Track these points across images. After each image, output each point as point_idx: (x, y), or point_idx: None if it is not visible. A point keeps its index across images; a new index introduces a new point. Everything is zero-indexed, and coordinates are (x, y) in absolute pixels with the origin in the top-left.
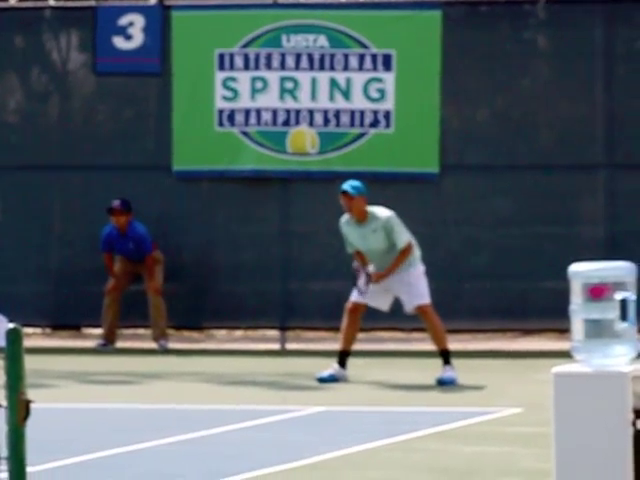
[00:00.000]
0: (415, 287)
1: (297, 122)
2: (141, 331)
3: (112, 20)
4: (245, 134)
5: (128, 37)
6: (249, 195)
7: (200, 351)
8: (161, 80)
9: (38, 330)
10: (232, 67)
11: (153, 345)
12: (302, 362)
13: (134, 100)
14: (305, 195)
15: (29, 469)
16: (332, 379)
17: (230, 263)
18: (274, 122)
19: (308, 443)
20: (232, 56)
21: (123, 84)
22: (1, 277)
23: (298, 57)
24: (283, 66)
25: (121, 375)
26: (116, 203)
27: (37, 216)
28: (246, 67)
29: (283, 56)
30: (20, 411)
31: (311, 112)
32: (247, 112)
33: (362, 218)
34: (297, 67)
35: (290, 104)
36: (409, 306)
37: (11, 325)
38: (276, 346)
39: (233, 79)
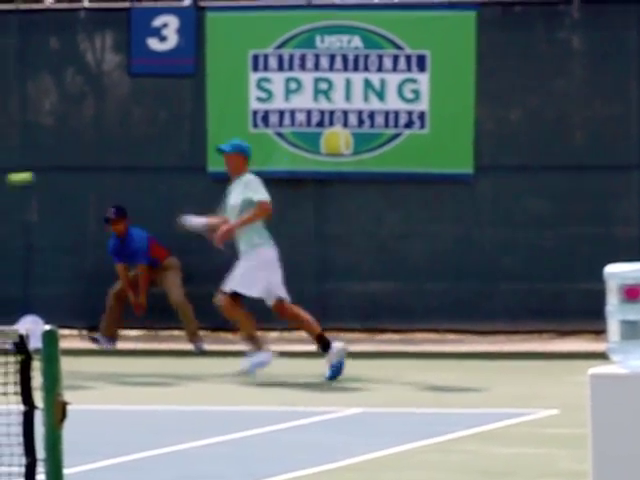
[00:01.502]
0: (241, 271)
1: (331, 123)
2: (176, 332)
3: (146, 21)
4: (279, 135)
5: (162, 38)
6: (284, 196)
7: (236, 352)
8: (195, 81)
9: (74, 332)
10: (266, 68)
11: (189, 347)
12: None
13: (169, 101)
14: (340, 196)
15: (66, 471)
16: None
17: None
18: (308, 123)
19: (345, 445)
20: (266, 57)
21: (158, 85)
22: (37, 279)
23: (332, 58)
24: (317, 67)
25: (157, 377)
26: (110, 212)
27: (72, 218)
28: (280, 68)
29: (317, 57)
30: (57, 413)
31: (345, 113)
32: (281, 113)
33: (233, 174)
34: (331, 68)
35: (324, 105)
36: (225, 285)
37: (47, 327)
38: (312, 347)
39: (267, 80)
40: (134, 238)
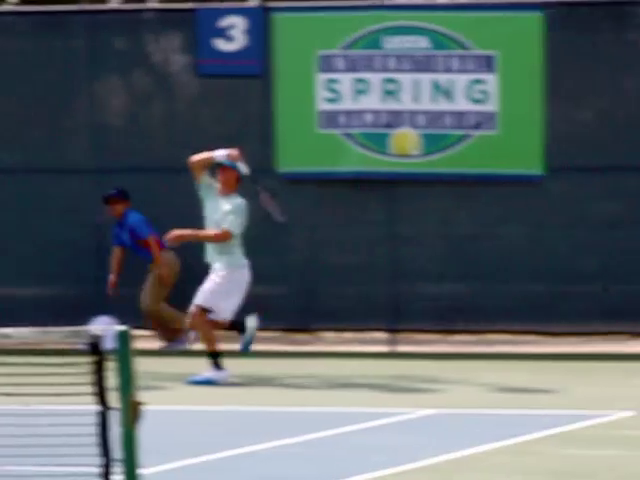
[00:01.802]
0: (211, 286)
1: (399, 124)
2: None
3: (213, 22)
4: (348, 136)
5: (229, 39)
6: (354, 197)
7: (309, 353)
8: (263, 82)
9: (147, 332)
10: (334, 69)
11: (265, 347)
12: (412, 364)
13: (237, 102)
14: (409, 197)
15: (141, 471)
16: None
17: (338, 265)
18: (376, 124)
19: (418, 446)
20: (334, 58)
21: (225, 86)
22: (104, 280)
23: (399, 59)
24: (385, 68)
25: (232, 377)
26: (112, 192)
27: (145, 217)
28: (348, 69)
29: (385, 58)
30: (131, 413)
31: (413, 114)
32: (349, 114)
33: (226, 193)
34: (399, 69)
35: (392, 106)
36: (195, 300)
37: (121, 327)
38: (385, 348)
39: (335, 81)
40: (128, 220)
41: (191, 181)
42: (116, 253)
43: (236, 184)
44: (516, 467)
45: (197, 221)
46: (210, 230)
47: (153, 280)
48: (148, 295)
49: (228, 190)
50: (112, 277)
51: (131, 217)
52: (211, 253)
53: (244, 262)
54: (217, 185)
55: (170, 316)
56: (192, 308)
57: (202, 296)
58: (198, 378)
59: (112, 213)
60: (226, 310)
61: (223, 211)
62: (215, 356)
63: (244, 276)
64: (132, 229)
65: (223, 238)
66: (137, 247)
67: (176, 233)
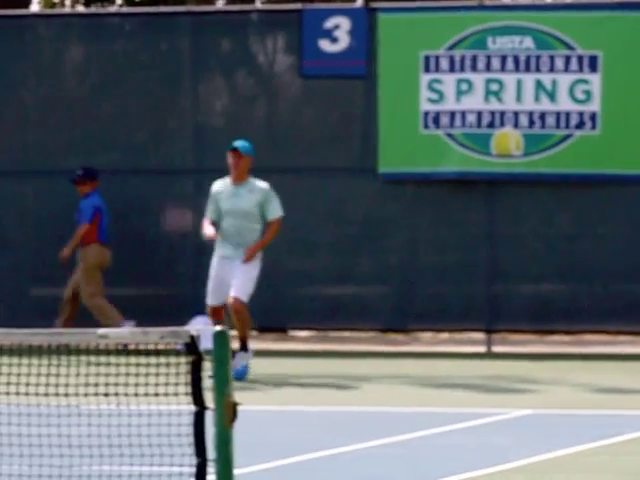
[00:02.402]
0: (245, 282)
1: (502, 124)
2: (346, 334)
3: (318, 23)
4: (450, 136)
5: (334, 40)
6: (454, 197)
7: (405, 354)
8: (367, 83)
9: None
10: (437, 69)
11: (360, 348)
12: (508, 365)
13: (340, 103)
14: (510, 197)
15: (236, 471)
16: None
17: (435, 265)
18: (479, 124)
19: (514, 446)
20: (437, 58)
21: (329, 87)
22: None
23: (504, 59)
24: (488, 68)
25: (327, 378)
26: (79, 172)
27: None
28: (451, 69)
29: (489, 58)
30: (227, 414)
31: (516, 114)
32: (452, 114)
33: (241, 179)
34: (502, 69)
35: (495, 106)
36: (231, 293)
37: (218, 328)
38: (482, 349)
39: (438, 81)
40: (86, 199)
41: (292, 181)
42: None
43: (249, 170)
44: (611, 467)
45: (295, 218)
46: (271, 231)
47: (80, 273)
48: (82, 290)
49: (244, 176)
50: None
51: (89, 200)
52: (235, 246)
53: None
54: (223, 180)
55: (103, 310)
56: (235, 303)
57: (242, 291)
58: (240, 370)
59: (80, 193)
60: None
61: (257, 201)
62: (245, 341)
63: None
64: (79, 210)
65: (280, 227)
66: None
67: (252, 252)
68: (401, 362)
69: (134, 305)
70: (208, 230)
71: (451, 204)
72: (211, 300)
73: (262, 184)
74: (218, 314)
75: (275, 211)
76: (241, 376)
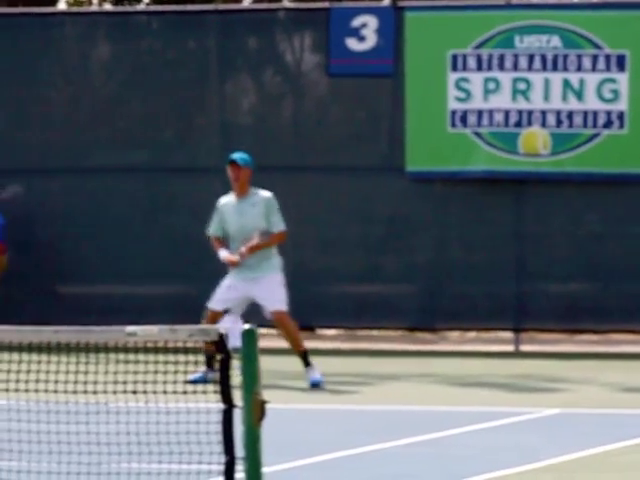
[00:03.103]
0: (276, 292)
1: (529, 123)
2: (374, 332)
3: (345, 21)
4: (477, 135)
5: (361, 38)
6: (481, 196)
7: (433, 352)
8: (394, 81)
9: (272, 331)
10: (465, 68)
11: (387, 346)
12: (536, 364)
13: (367, 101)
14: (538, 196)
15: (264, 469)
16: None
17: (463, 264)
18: (506, 123)
19: (542, 445)
20: (465, 57)
21: (356, 85)
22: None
23: (531, 58)
24: (516, 67)
25: (355, 376)
26: None
27: None
28: (479, 68)
29: (516, 57)
30: (256, 412)
31: (543, 113)
32: (480, 113)
33: (243, 191)
34: (530, 68)
35: (522, 105)
36: (269, 310)
37: (247, 326)
38: (510, 348)
39: (466, 80)
40: None
41: (317, 180)
42: None
43: (249, 178)
44: (639, 467)
45: (321, 217)
46: (273, 238)
47: None
48: None
49: (245, 188)
50: None
51: None
52: (254, 262)
53: (280, 261)
54: (228, 195)
55: None
56: (278, 315)
57: (280, 302)
58: (314, 380)
59: None
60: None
61: (261, 213)
62: (305, 355)
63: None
64: None
65: (283, 239)
66: None
67: (251, 245)
68: (429, 361)
69: (163, 303)
70: (224, 254)
71: (478, 203)
72: (215, 304)
73: (265, 194)
74: (217, 320)
75: (277, 225)
76: (318, 384)
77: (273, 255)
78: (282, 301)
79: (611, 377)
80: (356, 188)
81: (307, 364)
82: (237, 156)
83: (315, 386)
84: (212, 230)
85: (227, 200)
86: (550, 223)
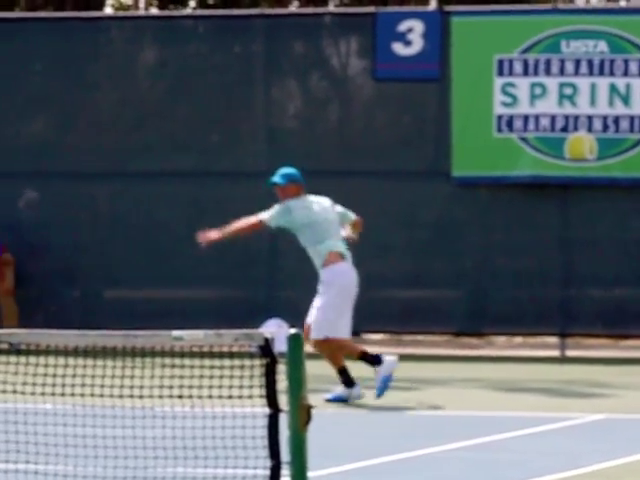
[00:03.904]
0: (324, 295)
1: (575, 128)
2: (419, 337)
3: (392, 26)
4: (523, 140)
5: (407, 43)
6: (527, 201)
7: (479, 357)
8: (440, 86)
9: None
10: (511, 73)
11: (432, 351)
12: (582, 369)
13: (413, 106)
14: (584, 201)
15: (310, 474)
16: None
17: (509, 269)
18: (552, 128)
19: (587, 451)
20: (511, 62)
21: (402, 90)
22: (282, 283)
23: (577, 63)
24: (562, 72)
25: (400, 381)
26: None
27: None
28: (525, 73)
29: (562, 62)
30: (302, 416)
31: (590, 118)
32: (526, 118)
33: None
34: (576, 73)
35: (569, 110)
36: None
37: (292, 330)
38: (556, 353)
39: (512, 85)
40: None
41: (363, 185)
42: None
43: (300, 193)
44: None
45: (367, 224)
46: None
47: (6, 299)
48: (8, 283)
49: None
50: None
51: None
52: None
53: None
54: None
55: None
56: (312, 343)
57: (315, 330)
58: (330, 396)
59: None
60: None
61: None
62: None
63: None
64: None
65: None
66: None
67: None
68: (475, 366)
69: (209, 307)
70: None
71: (524, 208)
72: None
73: (324, 198)
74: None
75: (348, 212)
76: (335, 399)
77: (325, 264)
78: (317, 329)
79: None
80: (402, 193)
81: (344, 382)
82: (276, 177)
83: (331, 401)
84: (266, 216)
85: (297, 201)
86: (596, 228)
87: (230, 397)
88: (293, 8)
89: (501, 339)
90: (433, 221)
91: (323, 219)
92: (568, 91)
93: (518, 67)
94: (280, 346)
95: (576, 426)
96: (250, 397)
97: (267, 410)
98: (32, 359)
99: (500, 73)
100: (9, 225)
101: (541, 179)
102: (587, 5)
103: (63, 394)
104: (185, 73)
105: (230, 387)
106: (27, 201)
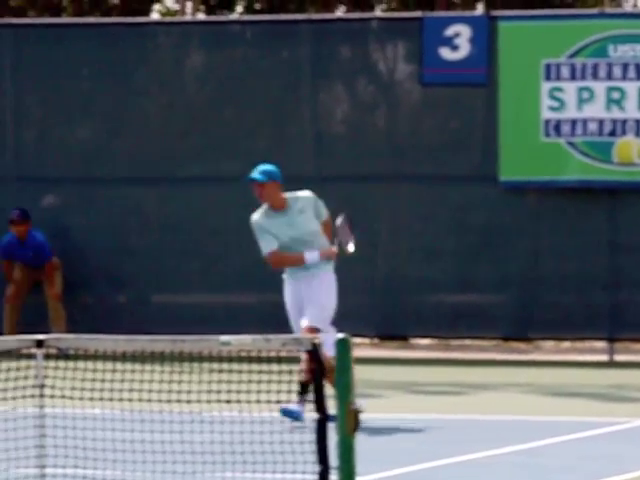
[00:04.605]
0: (324, 299)
1: (623, 132)
2: (467, 342)
3: (438, 31)
4: (571, 144)
5: (454, 48)
6: (575, 206)
7: (527, 362)
8: (487, 90)
9: (366, 340)
10: (559, 77)
11: (480, 356)
12: (631, 374)
13: (460, 110)
14: (632, 206)
15: (358, 479)
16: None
17: (557, 274)
18: (600, 132)
19: (635, 455)
20: (559, 66)
21: (449, 95)
22: None
23: (625, 67)
24: (610, 76)
25: (448, 386)
26: (15, 213)
27: (364, 227)
28: (572, 77)
29: (610, 66)
30: (349, 421)
31: (638, 122)
32: (573, 122)
33: (281, 205)
34: (624, 77)
35: (616, 114)
36: (305, 319)
37: (341, 335)
38: (604, 357)
39: (559, 89)
40: (38, 237)
41: (410, 189)
42: (9, 269)
43: (280, 191)
44: None
45: (415, 225)
46: (328, 231)
47: (54, 303)
48: (57, 288)
49: (282, 200)
50: (49, 290)
51: (37, 238)
52: (307, 268)
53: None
54: (263, 209)
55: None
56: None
57: (322, 320)
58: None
59: (16, 233)
60: None
61: (310, 216)
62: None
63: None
64: (38, 249)
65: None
66: (40, 264)
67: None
68: (523, 371)
69: (257, 312)
70: (312, 254)
71: (572, 212)
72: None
73: (304, 194)
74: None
75: (325, 212)
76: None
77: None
78: (325, 319)
79: None
80: (449, 197)
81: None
82: (256, 172)
83: (287, 414)
84: (269, 247)
85: (264, 214)
86: None
87: (278, 402)
88: (340, 13)
89: (549, 344)
90: (481, 225)
91: (289, 240)
92: (616, 95)
93: (565, 71)
94: (328, 351)
95: (624, 431)
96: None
97: (315, 415)
98: (80, 364)
99: (547, 77)
100: (58, 230)
101: (589, 184)
102: (634, 9)
103: (111, 399)
104: (232, 78)
105: (278, 392)
106: (48, 204)
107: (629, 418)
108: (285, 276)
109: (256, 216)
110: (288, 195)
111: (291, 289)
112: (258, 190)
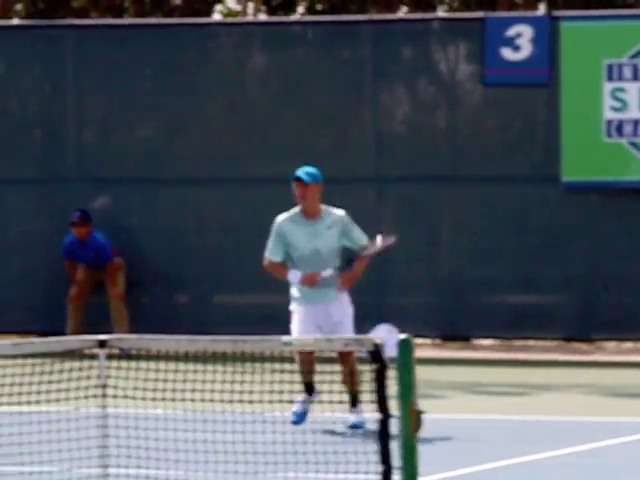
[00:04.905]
0: (348, 320)
1: None
2: (530, 342)
3: (500, 31)
4: (633, 145)
5: (516, 48)
6: (637, 207)
7: (589, 363)
8: (549, 91)
9: (428, 341)
10: (621, 78)
11: (542, 357)
12: None
13: (522, 111)
14: None
15: (420, 479)
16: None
17: (619, 274)
18: None
19: None
20: (621, 67)
21: (511, 95)
22: (392, 288)
23: None
24: None
25: (510, 386)
26: (76, 215)
27: (426, 227)
28: (635, 78)
29: None
30: (412, 422)
31: None
32: (636, 123)
33: (315, 211)
34: None
35: None
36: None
37: (403, 336)
38: None
39: (622, 90)
40: (99, 238)
41: (472, 190)
42: (72, 269)
43: (320, 195)
44: None
45: (473, 226)
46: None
47: (117, 303)
48: (119, 288)
49: (318, 208)
50: (112, 290)
51: (98, 239)
52: (330, 285)
53: None
54: (292, 213)
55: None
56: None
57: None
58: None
59: (77, 234)
60: None
61: (336, 234)
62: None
63: None
64: (100, 250)
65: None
66: (102, 265)
67: (351, 276)
68: (585, 371)
69: None
70: (297, 274)
71: (634, 213)
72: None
73: (339, 212)
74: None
75: (362, 238)
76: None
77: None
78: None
79: None
80: (511, 198)
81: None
82: (302, 172)
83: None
84: (273, 255)
85: (291, 219)
86: None
87: (340, 402)
88: (401, 13)
89: (611, 344)
90: (542, 226)
91: (309, 252)
92: None
93: (627, 72)
94: (390, 351)
95: None
96: (361, 402)
97: (378, 415)
98: (142, 364)
99: (610, 78)
100: (120, 230)
101: None
102: None
103: (173, 399)
104: (293, 79)
105: (340, 392)
106: (101, 205)
107: None
108: (295, 305)
109: (281, 218)
110: (323, 207)
111: (304, 311)
112: (301, 190)
